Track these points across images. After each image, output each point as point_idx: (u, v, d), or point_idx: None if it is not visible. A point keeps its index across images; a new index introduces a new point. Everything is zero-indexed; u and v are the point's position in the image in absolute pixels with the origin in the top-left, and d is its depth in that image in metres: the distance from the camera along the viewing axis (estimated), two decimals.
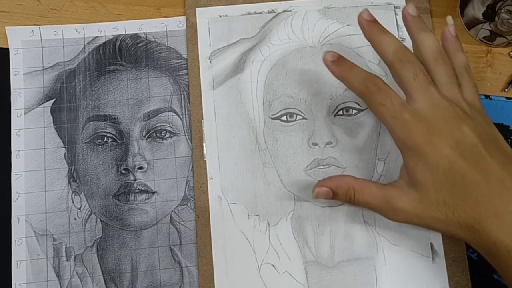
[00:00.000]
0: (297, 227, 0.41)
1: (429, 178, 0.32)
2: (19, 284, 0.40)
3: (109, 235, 0.41)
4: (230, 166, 0.42)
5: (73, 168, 0.42)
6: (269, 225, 0.41)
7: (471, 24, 0.44)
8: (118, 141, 0.42)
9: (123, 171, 0.42)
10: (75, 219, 0.41)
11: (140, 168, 0.42)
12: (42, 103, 0.43)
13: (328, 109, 0.42)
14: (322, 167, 0.41)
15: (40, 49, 0.44)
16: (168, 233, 0.41)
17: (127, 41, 0.44)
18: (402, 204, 0.34)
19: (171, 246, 0.41)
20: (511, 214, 0.30)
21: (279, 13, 0.44)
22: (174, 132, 0.43)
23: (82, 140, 0.42)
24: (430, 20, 0.44)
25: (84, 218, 0.41)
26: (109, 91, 0.43)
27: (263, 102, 0.43)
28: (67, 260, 0.40)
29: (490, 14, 0.42)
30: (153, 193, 0.42)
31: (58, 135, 0.42)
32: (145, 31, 0.44)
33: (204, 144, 0.42)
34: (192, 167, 0.42)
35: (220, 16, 0.44)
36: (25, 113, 0.43)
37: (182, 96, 0.43)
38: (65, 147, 0.42)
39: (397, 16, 0.44)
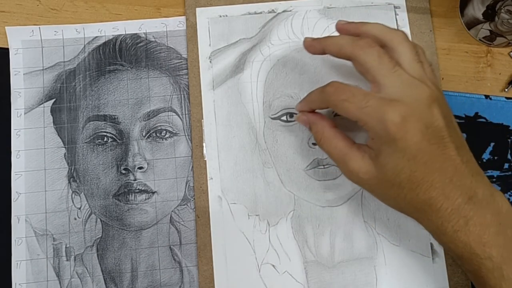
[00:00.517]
0: (297, 227, 0.41)
1: (393, 163, 0.32)
2: (19, 284, 0.40)
3: (109, 235, 0.41)
4: (230, 166, 0.42)
5: (73, 168, 0.42)
6: (269, 225, 0.41)
7: (471, 24, 0.44)
8: (118, 141, 0.42)
9: (123, 171, 0.42)
10: (75, 219, 0.41)
11: (140, 168, 0.42)
12: (42, 103, 0.43)
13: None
14: (322, 167, 0.41)
15: (40, 49, 0.44)
16: (168, 233, 0.41)
17: (127, 41, 0.44)
18: (358, 170, 0.34)
19: (171, 246, 0.41)
20: (460, 198, 0.31)
21: (279, 13, 0.44)
22: (174, 132, 0.43)
23: (82, 140, 0.42)
24: (430, 20, 0.44)
25: (84, 218, 0.41)
26: (109, 91, 0.43)
27: (263, 102, 0.43)
28: (67, 260, 0.41)
29: (490, 14, 0.42)
30: (153, 193, 0.42)
31: (58, 135, 0.42)
32: (145, 31, 0.44)
33: (204, 144, 0.42)
34: (192, 167, 0.42)
35: (220, 16, 0.44)
36: (25, 113, 0.43)
37: (182, 96, 0.43)
38: (65, 147, 0.42)
39: (397, 16, 0.44)
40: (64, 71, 0.43)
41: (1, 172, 0.42)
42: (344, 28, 0.37)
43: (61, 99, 0.43)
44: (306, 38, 0.38)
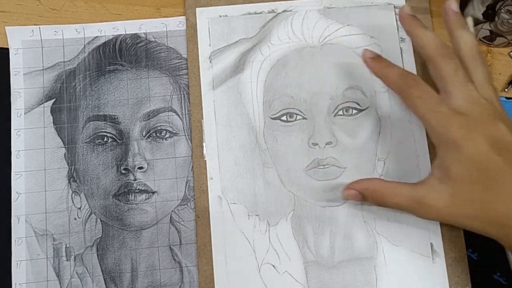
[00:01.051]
0: (297, 227, 0.41)
1: (465, 173, 0.33)
2: (19, 284, 0.40)
3: (109, 235, 0.41)
4: (230, 166, 0.42)
5: (73, 168, 0.42)
6: (269, 225, 0.41)
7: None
8: (118, 141, 0.42)
9: (123, 171, 0.42)
10: (75, 219, 0.41)
11: (140, 168, 0.42)
12: (42, 103, 0.43)
13: (328, 109, 0.42)
14: (322, 167, 0.41)
15: (40, 49, 0.44)
16: (168, 233, 0.41)
17: (127, 41, 0.44)
18: (434, 202, 0.34)
19: (171, 246, 0.41)
20: None
21: (279, 13, 0.44)
22: (174, 132, 0.43)
23: (82, 140, 0.42)
24: (430, 20, 0.44)
25: (84, 218, 0.41)
26: (109, 91, 0.43)
27: (263, 102, 0.43)
28: (67, 260, 0.41)
29: (490, 14, 0.42)
30: (153, 193, 0.42)
31: (58, 135, 0.42)
32: (145, 31, 0.44)
33: (204, 144, 0.42)
34: (192, 167, 0.42)
35: (220, 16, 0.44)
36: (25, 113, 0.43)
37: (182, 96, 0.43)
38: (65, 147, 0.42)
39: (397, 16, 0.44)
40: (64, 71, 0.43)
41: (1, 172, 0.42)
42: (449, 16, 0.37)
43: (61, 99, 0.43)
44: (404, 11, 0.38)
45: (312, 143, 0.42)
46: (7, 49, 0.44)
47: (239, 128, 0.42)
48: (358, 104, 0.42)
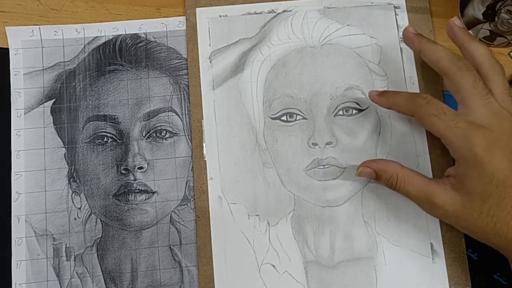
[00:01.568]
0: (297, 227, 0.41)
1: (480, 188, 0.32)
2: (19, 284, 0.40)
3: (109, 235, 0.41)
4: (230, 166, 0.42)
5: (73, 168, 0.42)
6: (269, 225, 0.41)
7: (471, 24, 0.44)
8: (118, 141, 0.42)
9: (123, 171, 0.42)
10: (75, 219, 0.41)
11: (140, 168, 0.42)
12: (42, 103, 0.43)
13: (328, 109, 0.42)
14: (322, 167, 0.41)
15: (40, 49, 0.44)
16: (168, 233, 0.41)
17: (127, 41, 0.44)
18: (443, 203, 0.34)
19: (171, 246, 0.41)
20: None
21: (279, 13, 0.44)
22: (174, 132, 0.43)
23: (82, 140, 0.42)
24: (430, 20, 0.44)
25: (84, 218, 0.41)
26: (109, 91, 0.43)
27: (263, 102, 0.43)
28: (67, 260, 0.41)
29: (490, 14, 0.42)
30: (153, 193, 0.42)
31: (58, 135, 0.42)
32: (145, 31, 0.44)
33: (204, 144, 0.42)
34: (192, 167, 0.42)
35: (220, 16, 0.44)
36: (25, 113, 0.43)
37: (182, 96, 0.43)
38: (65, 147, 0.42)
39: (397, 16, 0.44)
40: (64, 71, 0.43)
41: (1, 172, 0.42)
42: (455, 31, 0.37)
43: (61, 99, 0.43)
44: (409, 30, 0.39)
45: (312, 143, 0.42)
46: (7, 49, 0.44)
47: (239, 128, 0.42)
48: (358, 104, 0.42)
